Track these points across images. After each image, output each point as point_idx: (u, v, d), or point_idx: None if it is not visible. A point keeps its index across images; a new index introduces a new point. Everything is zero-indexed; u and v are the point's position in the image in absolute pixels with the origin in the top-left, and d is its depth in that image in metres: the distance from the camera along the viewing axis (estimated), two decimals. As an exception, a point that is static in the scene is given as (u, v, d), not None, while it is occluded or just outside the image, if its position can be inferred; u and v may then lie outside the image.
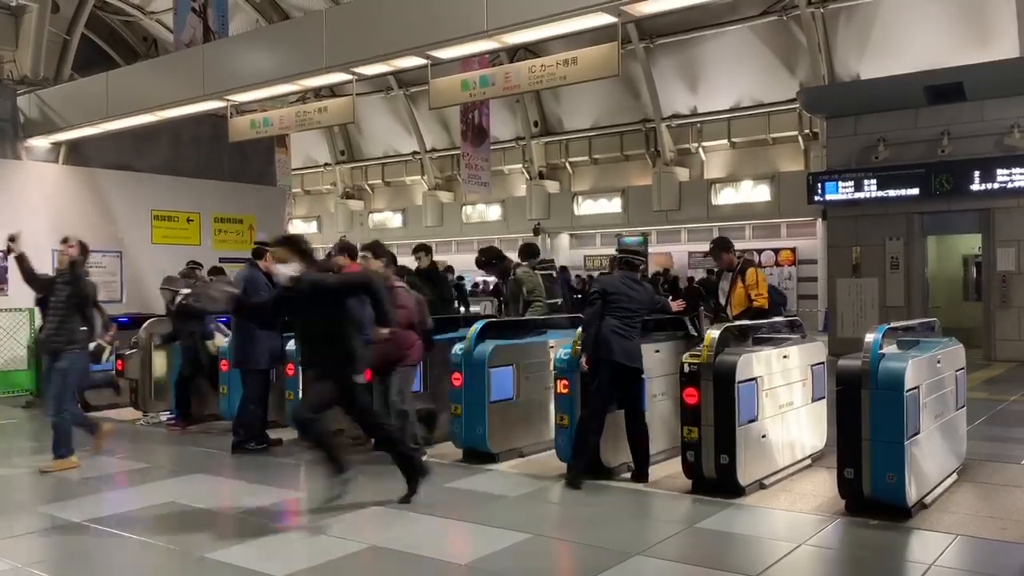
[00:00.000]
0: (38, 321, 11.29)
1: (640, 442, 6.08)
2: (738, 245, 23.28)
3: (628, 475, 6.21)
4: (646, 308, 6.29)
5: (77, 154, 13.84)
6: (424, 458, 6.26)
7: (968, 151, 14.14)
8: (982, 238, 14.55)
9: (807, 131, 20.90)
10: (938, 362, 5.70)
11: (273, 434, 7.70)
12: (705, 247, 23.04)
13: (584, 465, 6.00)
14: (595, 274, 19.91)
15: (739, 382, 5.52)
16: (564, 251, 24.86)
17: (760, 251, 22.37)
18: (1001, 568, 4.46)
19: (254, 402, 7.49)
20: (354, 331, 5.65)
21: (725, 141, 22.39)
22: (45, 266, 13.19)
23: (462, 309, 15.94)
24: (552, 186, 25.22)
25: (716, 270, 8.89)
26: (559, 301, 8.87)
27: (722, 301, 7.63)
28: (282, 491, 6.12)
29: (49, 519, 5.47)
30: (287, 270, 5.64)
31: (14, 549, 4.86)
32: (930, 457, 5.43)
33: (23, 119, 13.47)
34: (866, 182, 15.03)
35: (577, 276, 19.76)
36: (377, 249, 6.99)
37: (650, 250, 23.06)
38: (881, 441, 4.99)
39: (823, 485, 5.86)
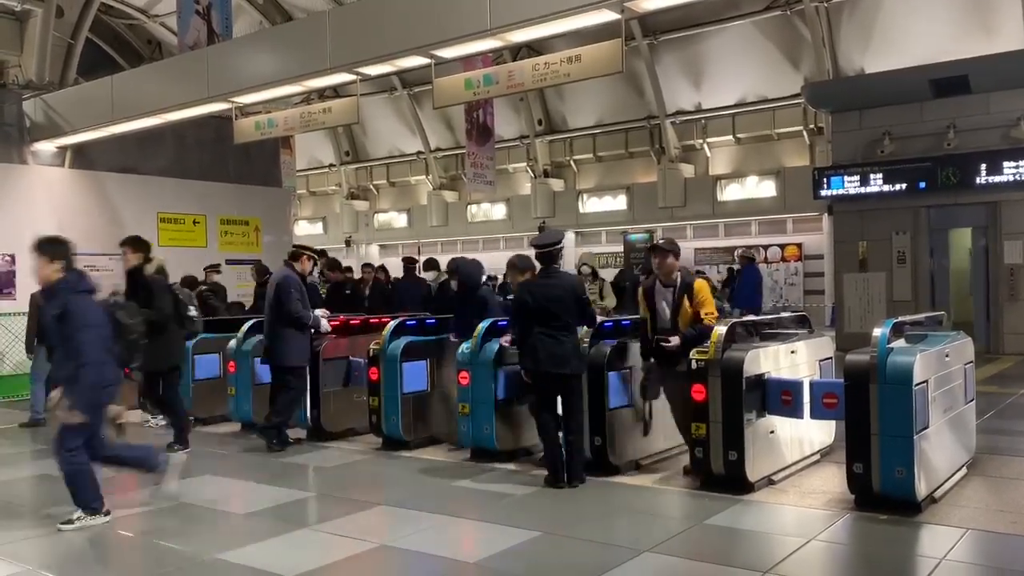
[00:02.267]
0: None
1: (573, 444, 5.96)
2: (744, 241, 23.51)
3: (633, 472, 6.22)
4: (572, 303, 6.02)
5: (82, 158, 13.89)
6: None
7: (974, 144, 14.08)
8: (988, 231, 14.49)
9: (812, 126, 20.84)
10: (946, 356, 5.68)
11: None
12: (711, 243, 23.33)
13: (562, 470, 5.96)
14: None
15: (747, 378, 5.51)
16: (570, 249, 24.87)
17: (766, 247, 22.32)
18: (1012, 562, 4.45)
19: (295, 399, 7.55)
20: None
21: (730, 137, 22.35)
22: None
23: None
24: (557, 184, 25.20)
25: (641, 274, 8.58)
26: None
27: (666, 317, 6.15)
28: (291, 491, 6.13)
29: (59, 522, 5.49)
30: None
31: (25, 552, 4.88)
32: (939, 451, 5.41)
33: (29, 123, 13.52)
34: (872, 176, 14.98)
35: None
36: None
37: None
38: (890, 436, 4.97)
39: (832, 480, 5.85)
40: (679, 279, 6.16)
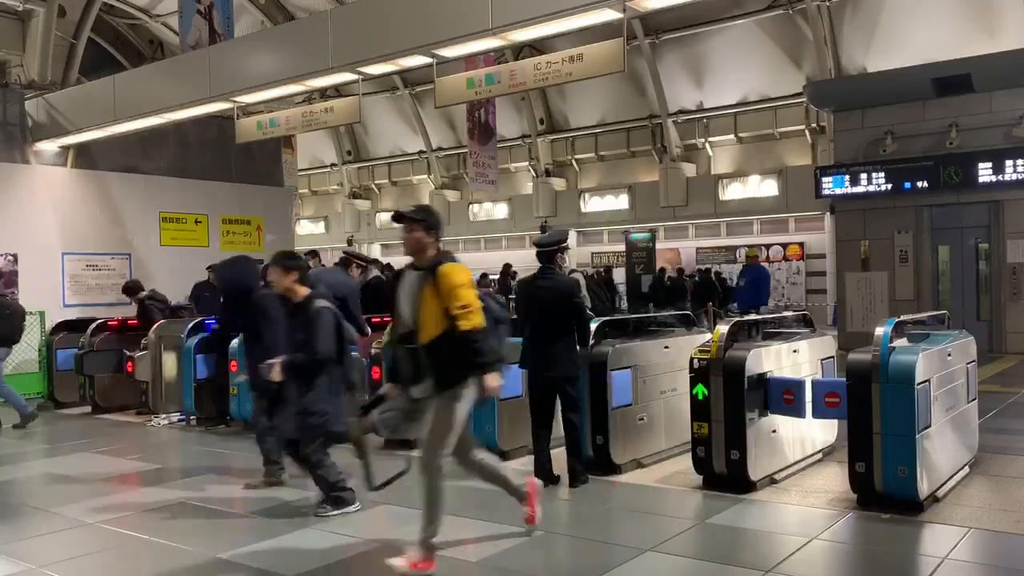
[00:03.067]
0: (49, 324, 11.38)
1: (572, 446, 5.93)
2: (746, 240, 23.67)
3: (634, 471, 6.22)
4: (566, 303, 5.85)
5: (85, 157, 13.91)
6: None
7: (977, 143, 14.07)
8: (991, 230, 14.47)
9: (814, 125, 20.83)
10: (949, 355, 5.67)
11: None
12: (713, 243, 23.33)
13: (540, 471, 5.93)
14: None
15: (749, 377, 5.51)
16: (571, 248, 24.90)
17: (768, 246, 22.32)
18: (1015, 561, 4.44)
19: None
20: None
21: (732, 136, 22.34)
22: (54, 268, 13.34)
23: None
24: (559, 183, 25.20)
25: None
26: None
27: (407, 316, 4.41)
28: (293, 491, 6.13)
29: (63, 520, 5.50)
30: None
31: (29, 550, 4.89)
32: (942, 450, 5.41)
33: (31, 123, 13.54)
34: (874, 175, 14.97)
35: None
36: None
37: (658, 246, 23.03)
38: (892, 435, 4.97)
39: (834, 479, 5.84)
40: (434, 262, 4.35)
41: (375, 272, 11.71)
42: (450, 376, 4.29)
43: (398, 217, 4.49)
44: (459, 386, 4.30)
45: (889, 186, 14.82)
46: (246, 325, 6.22)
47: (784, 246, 22.40)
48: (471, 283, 4.36)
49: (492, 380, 4.32)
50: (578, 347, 5.95)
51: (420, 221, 4.43)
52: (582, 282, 10.26)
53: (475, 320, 4.23)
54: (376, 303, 11.39)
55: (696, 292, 18.29)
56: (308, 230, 30.41)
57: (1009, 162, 13.75)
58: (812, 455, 6.39)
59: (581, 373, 6.01)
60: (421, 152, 27.47)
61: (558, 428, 6.06)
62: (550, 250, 6.01)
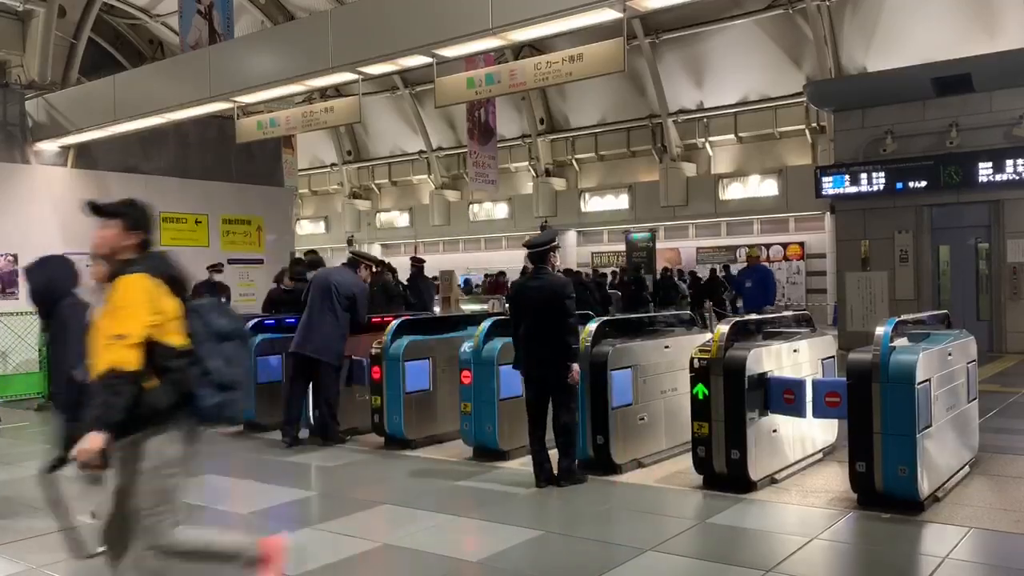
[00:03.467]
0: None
1: (562, 447, 5.94)
2: (746, 240, 23.70)
3: (636, 470, 6.22)
4: (555, 303, 5.77)
5: (85, 157, 13.91)
6: None
7: (977, 143, 14.07)
8: (991, 230, 14.48)
9: (814, 125, 20.84)
10: (949, 355, 5.67)
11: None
12: (713, 243, 23.35)
13: (539, 471, 5.96)
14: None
15: (749, 376, 5.50)
16: (571, 248, 24.90)
17: (768, 246, 22.33)
18: (1015, 560, 4.44)
19: (335, 396, 7.72)
20: None
21: (732, 136, 22.35)
22: (55, 269, 13.36)
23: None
24: (559, 183, 25.21)
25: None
26: None
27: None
28: (293, 490, 6.13)
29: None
30: None
31: (28, 550, 4.88)
32: (942, 450, 5.41)
33: (31, 123, 13.55)
34: (874, 175, 14.97)
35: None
36: None
37: (658, 246, 23.05)
38: (892, 434, 4.97)
39: (835, 479, 5.84)
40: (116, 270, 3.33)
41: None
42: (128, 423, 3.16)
43: (94, 208, 3.41)
44: (140, 437, 3.25)
45: (889, 186, 14.82)
46: (55, 334, 5.19)
47: (784, 246, 22.42)
48: (146, 303, 3.17)
49: (88, 442, 3.10)
50: (563, 354, 5.77)
51: (118, 216, 3.38)
52: None
53: (116, 357, 3.08)
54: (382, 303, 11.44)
55: (700, 291, 18.40)
56: (308, 230, 30.42)
57: (1009, 162, 13.75)
58: (812, 455, 6.39)
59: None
60: (421, 152, 27.48)
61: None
62: (542, 250, 6.03)
